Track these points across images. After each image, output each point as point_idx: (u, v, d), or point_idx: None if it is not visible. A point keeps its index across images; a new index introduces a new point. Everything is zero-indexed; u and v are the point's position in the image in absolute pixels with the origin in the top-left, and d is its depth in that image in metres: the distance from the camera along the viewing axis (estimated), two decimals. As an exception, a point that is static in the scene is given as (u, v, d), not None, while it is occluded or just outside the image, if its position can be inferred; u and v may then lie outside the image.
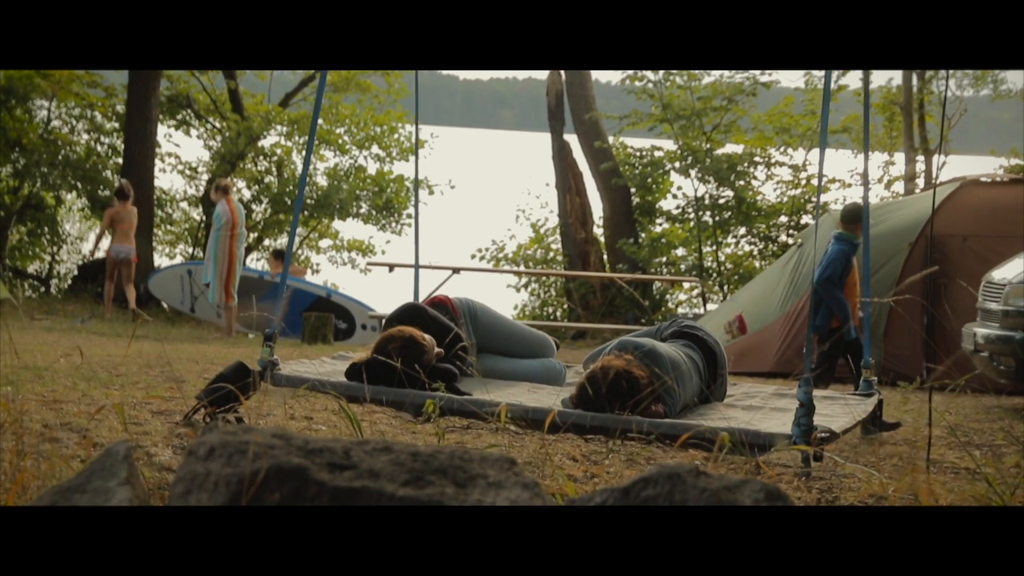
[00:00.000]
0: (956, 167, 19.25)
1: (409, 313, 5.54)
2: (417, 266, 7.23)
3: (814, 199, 18.05)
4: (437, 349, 5.23)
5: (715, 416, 4.77)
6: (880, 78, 28.13)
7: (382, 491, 1.62)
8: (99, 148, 18.84)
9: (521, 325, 6.08)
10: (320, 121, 17.34)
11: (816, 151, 18.45)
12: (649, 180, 18.58)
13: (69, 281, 17.99)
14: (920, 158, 18.83)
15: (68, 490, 1.75)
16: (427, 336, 5.21)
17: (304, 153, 19.54)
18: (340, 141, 19.86)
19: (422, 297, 6.68)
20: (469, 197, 23.49)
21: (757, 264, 17.87)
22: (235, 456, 1.68)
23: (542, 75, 20.37)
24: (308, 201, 18.25)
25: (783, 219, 18.17)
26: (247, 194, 19.16)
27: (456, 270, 14.49)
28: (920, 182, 18.32)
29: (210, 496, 1.64)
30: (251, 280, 13.73)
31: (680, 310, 17.93)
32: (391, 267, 14.70)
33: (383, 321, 5.75)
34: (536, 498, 1.64)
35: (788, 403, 5.16)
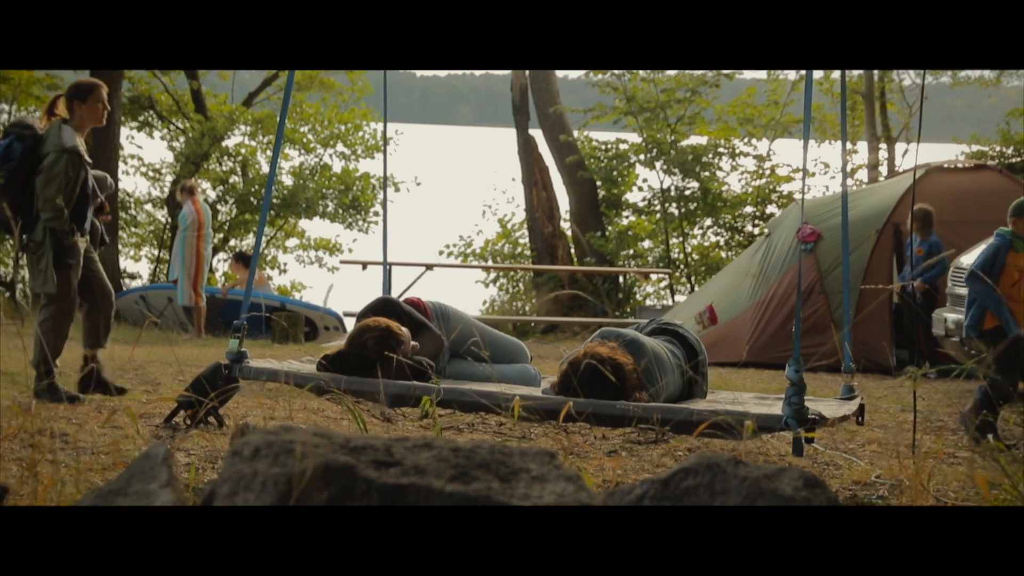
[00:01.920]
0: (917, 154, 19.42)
1: (383, 306, 5.46)
2: (386, 264, 7.09)
3: (779, 189, 18.21)
4: (413, 343, 5.19)
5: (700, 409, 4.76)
6: (839, 68, 28.21)
7: (430, 487, 1.63)
8: (61, 151, 18.57)
9: (494, 330, 5.95)
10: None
11: (779, 141, 18.64)
12: (615, 173, 18.61)
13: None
14: (883, 146, 19.02)
15: (109, 493, 1.75)
16: (403, 329, 5.17)
17: (269, 152, 19.45)
18: (305, 140, 19.75)
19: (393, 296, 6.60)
20: (434, 193, 23.43)
21: (724, 255, 17.96)
22: (281, 455, 1.68)
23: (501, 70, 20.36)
24: (274, 200, 18.11)
25: (748, 209, 18.27)
26: (212, 195, 18.99)
27: (429, 266, 14.44)
28: (883, 170, 18.49)
29: (257, 496, 1.64)
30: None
31: (648, 302, 17.98)
32: (364, 265, 14.61)
33: (357, 315, 5.64)
34: (581, 491, 1.66)
35: (772, 403, 5.16)
